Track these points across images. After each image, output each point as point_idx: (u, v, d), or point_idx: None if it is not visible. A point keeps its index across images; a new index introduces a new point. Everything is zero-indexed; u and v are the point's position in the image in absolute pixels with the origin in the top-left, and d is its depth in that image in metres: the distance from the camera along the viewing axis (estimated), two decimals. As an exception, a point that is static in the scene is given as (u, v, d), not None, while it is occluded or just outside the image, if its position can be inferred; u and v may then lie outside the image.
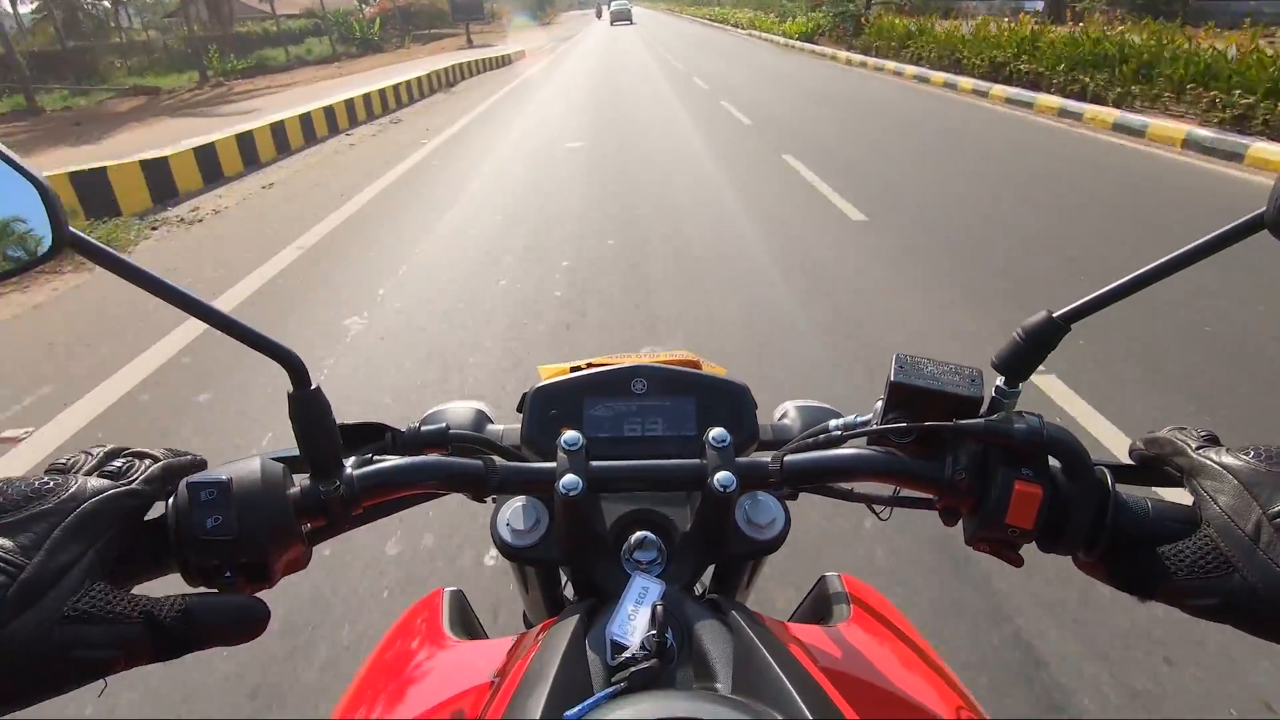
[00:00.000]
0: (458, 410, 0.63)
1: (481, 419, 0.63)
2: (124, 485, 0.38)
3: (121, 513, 0.37)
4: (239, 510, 0.40)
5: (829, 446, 0.49)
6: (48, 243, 0.38)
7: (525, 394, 0.55)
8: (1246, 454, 0.39)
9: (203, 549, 0.39)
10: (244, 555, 0.40)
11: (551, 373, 0.60)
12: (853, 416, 0.54)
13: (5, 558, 0.32)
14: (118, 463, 0.39)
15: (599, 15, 59.42)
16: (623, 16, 48.29)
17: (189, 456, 0.43)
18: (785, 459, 0.47)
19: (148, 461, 0.40)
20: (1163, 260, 0.40)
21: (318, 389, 0.43)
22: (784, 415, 0.64)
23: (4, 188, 0.36)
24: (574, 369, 0.62)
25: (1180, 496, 0.42)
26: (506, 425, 0.61)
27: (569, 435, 0.47)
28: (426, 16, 37.50)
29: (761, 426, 0.57)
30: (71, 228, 0.37)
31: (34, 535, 0.33)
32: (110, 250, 0.37)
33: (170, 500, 0.41)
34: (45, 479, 0.36)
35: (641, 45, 25.35)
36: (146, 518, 0.40)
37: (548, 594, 0.61)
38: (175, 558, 0.40)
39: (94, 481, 0.37)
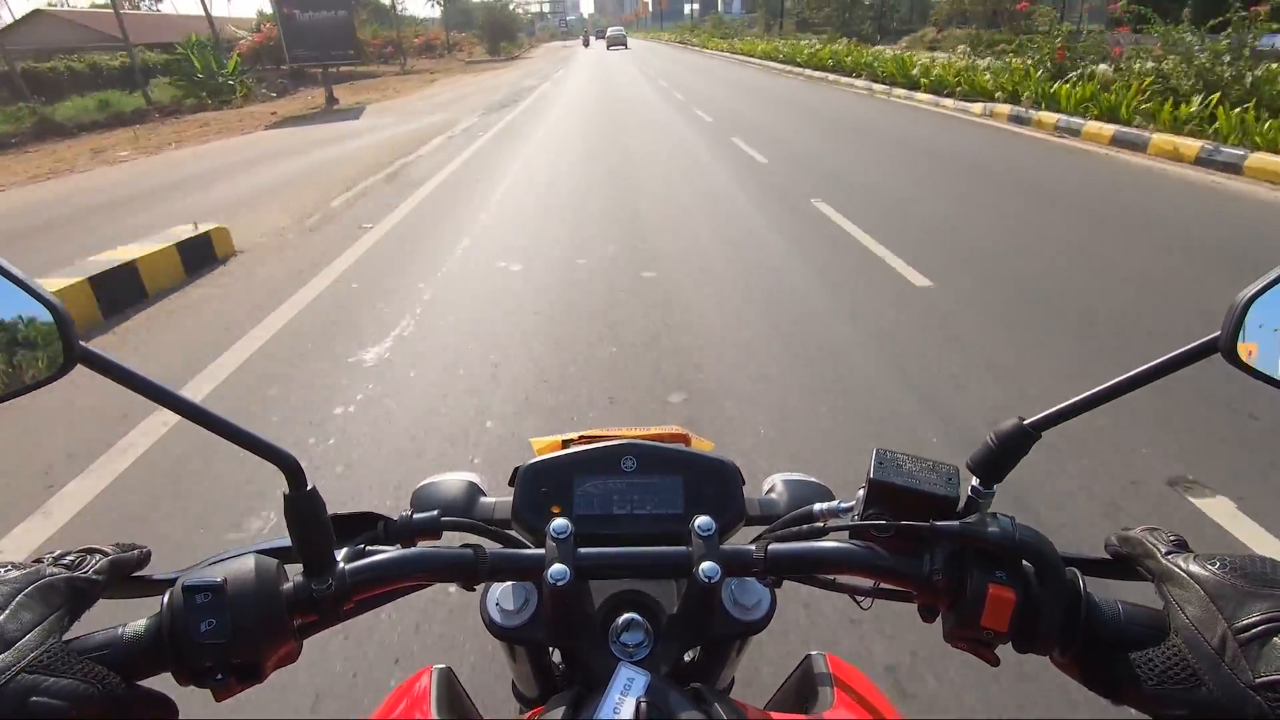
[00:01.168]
0: (449, 486, 0.64)
1: (473, 493, 0.63)
2: (78, 574, 0.41)
3: (75, 593, 0.40)
4: (233, 612, 0.41)
5: (812, 536, 0.50)
6: (59, 360, 0.39)
7: (517, 469, 0.56)
8: (1212, 564, 0.40)
9: (196, 653, 0.40)
10: (236, 656, 0.41)
11: (544, 446, 0.61)
12: (836, 502, 0.55)
13: None
14: (70, 557, 0.42)
15: (585, 44, 59.43)
16: (618, 42, 50.40)
17: (135, 551, 0.45)
18: (769, 549, 0.48)
19: (97, 556, 0.43)
20: (1123, 378, 0.43)
21: (313, 490, 0.45)
22: (771, 489, 0.65)
23: (16, 308, 0.38)
24: (566, 443, 0.63)
25: (1150, 590, 0.43)
26: (498, 498, 0.62)
27: (558, 524, 0.48)
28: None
29: (748, 501, 0.58)
30: (83, 343, 0.39)
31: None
32: (120, 364, 0.39)
33: (165, 601, 0.42)
34: (6, 564, 0.40)
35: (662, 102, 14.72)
36: (140, 625, 0.42)
37: (537, 666, 0.61)
38: (169, 659, 0.41)
39: (51, 568, 0.41)
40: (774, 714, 0.49)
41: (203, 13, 21.95)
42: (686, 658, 0.57)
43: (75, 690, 0.36)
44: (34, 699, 0.35)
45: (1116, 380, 0.43)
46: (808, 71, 19.89)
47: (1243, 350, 0.40)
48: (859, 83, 15.93)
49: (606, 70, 26.87)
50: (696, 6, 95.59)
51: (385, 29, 38.53)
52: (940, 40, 21.25)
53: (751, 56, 28.12)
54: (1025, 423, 0.45)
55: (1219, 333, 0.39)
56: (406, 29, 44.90)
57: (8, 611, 0.36)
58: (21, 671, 0.35)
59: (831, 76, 17.92)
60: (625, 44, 51.48)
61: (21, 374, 0.40)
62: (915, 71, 13.71)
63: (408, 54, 35.69)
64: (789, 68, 22.02)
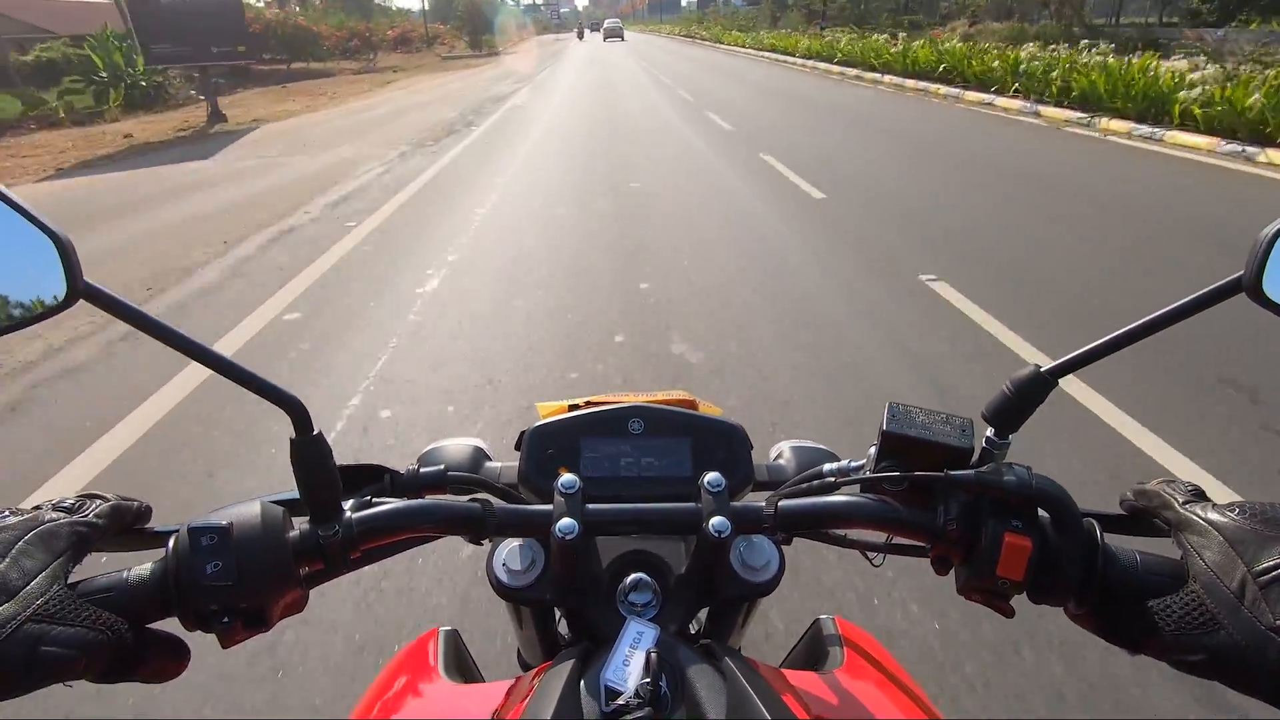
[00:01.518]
0: (455, 449, 0.63)
1: (479, 457, 0.63)
2: (79, 517, 0.40)
3: (76, 537, 0.39)
4: (239, 556, 0.40)
5: (823, 492, 0.50)
6: (63, 293, 0.38)
7: (523, 432, 0.56)
8: (1232, 511, 0.40)
9: (201, 594, 0.40)
10: (242, 600, 0.40)
11: (550, 411, 0.60)
12: (846, 461, 0.55)
13: None
14: (69, 502, 0.41)
15: (580, 36, 61.21)
16: (614, 34, 53.77)
17: (136, 503, 0.44)
18: (779, 504, 0.48)
19: (98, 501, 0.42)
20: (1145, 320, 0.42)
21: (319, 435, 0.44)
22: (779, 456, 0.65)
23: (19, 239, 0.37)
24: (572, 407, 0.63)
25: (1167, 547, 0.42)
26: (504, 463, 0.62)
27: (566, 479, 0.48)
28: (293, 43, 24.55)
29: (757, 467, 0.58)
30: (86, 279, 0.38)
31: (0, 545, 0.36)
32: (125, 301, 0.38)
33: (170, 544, 0.41)
34: (4, 510, 0.39)
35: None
36: (145, 569, 0.41)
37: (542, 631, 0.61)
38: (174, 602, 0.40)
39: (51, 512, 0.40)
40: (786, 670, 0.48)
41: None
42: (694, 622, 0.56)
43: (84, 638, 0.36)
44: (43, 648, 0.34)
45: (1136, 324, 0.42)
46: (887, 78, 14.51)
47: (1268, 286, 0.39)
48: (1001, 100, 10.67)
49: (604, 71, 20.93)
50: None
51: (355, 19, 36.37)
52: (975, 34, 17.52)
53: (790, 55, 22.71)
54: (1042, 370, 0.45)
55: (1242, 271, 0.39)
56: (381, 20, 42.27)
57: (8, 559, 0.35)
58: (28, 620, 0.34)
59: (932, 86, 12.75)
60: (622, 36, 54.37)
61: (23, 306, 0.39)
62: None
63: (379, 48, 32.05)
64: (841, 69, 16.89)
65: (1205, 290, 0.40)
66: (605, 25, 55.70)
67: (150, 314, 0.39)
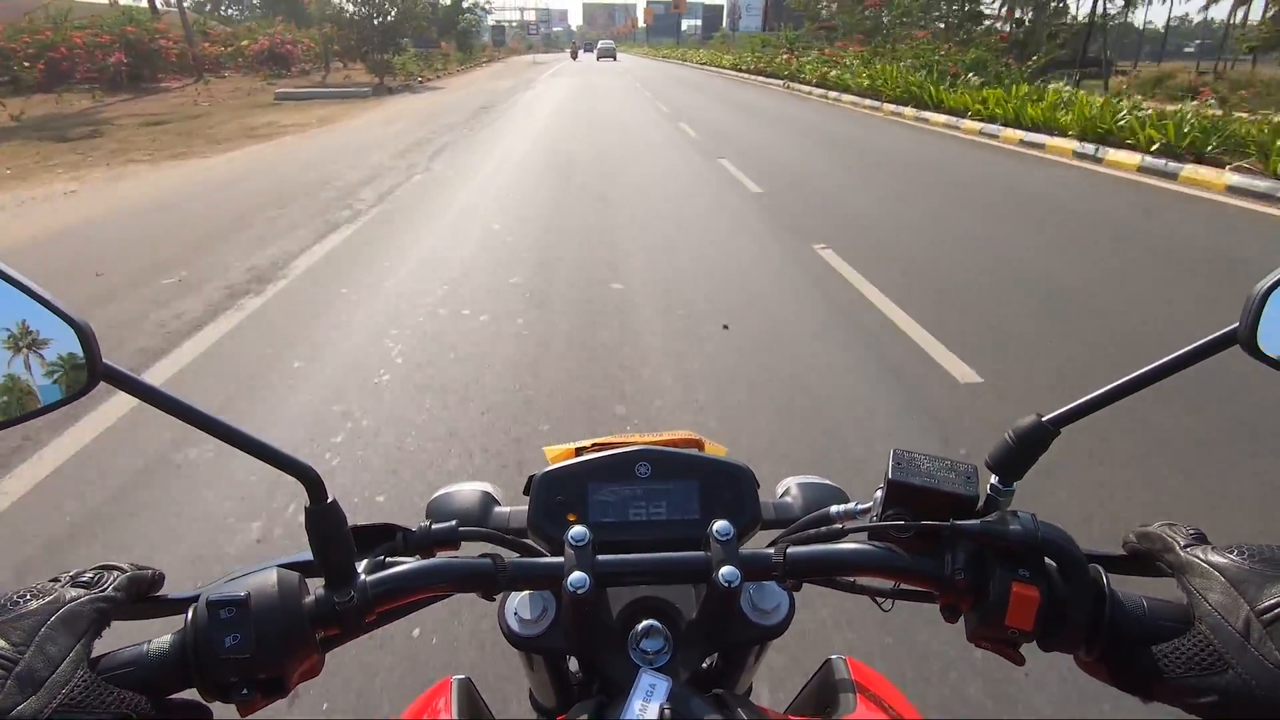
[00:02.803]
0: (465, 495, 0.64)
1: (488, 503, 0.63)
2: (98, 592, 0.41)
3: (98, 614, 0.40)
4: (257, 627, 0.41)
5: (830, 538, 0.50)
6: (84, 378, 0.39)
7: (532, 478, 0.56)
8: (1232, 552, 0.40)
9: (221, 667, 0.40)
10: (261, 671, 0.41)
11: (557, 455, 0.61)
12: (853, 504, 0.55)
13: (1, 653, 0.35)
14: (88, 575, 0.42)
15: (574, 57, 64.06)
16: (607, 54, 59.14)
17: (150, 571, 0.45)
18: (788, 552, 0.48)
19: (115, 573, 0.43)
20: (1141, 372, 0.43)
21: (334, 502, 0.45)
22: (786, 493, 0.65)
23: (42, 327, 0.38)
24: (579, 450, 0.63)
25: (1169, 587, 0.43)
26: (513, 508, 0.62)
27: (576, 531, 0.48)
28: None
29: (764, 504, 0.58)
30: (106, 361, 0.39)
31: (24, 632, 0.36)
32: (142, 381, 0.39)
33: (189, 616, 0.42)
34: (23, 590, 0.39)
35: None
36: (165, 642, 0.42)
37: (554, 674, 0.61)
38: (194, 675, 0.41)
39: (71, 590, 0.40)
40: (795, 718, 0.49)
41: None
42: (705, 664, 0.57)
43: None
44: None
45: (1134, 375, 0.43)
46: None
47: (1263, 341, 0.40)
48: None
49: (600, 154, 9.76)
50: (698, 22, 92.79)
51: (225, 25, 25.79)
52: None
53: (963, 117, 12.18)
54: (1044, 419, 0.46)
55: (1237, 324, 0.40)
56: (239, 27, 28.88)
57: (33, 648, 0.36)
58: (55, 714, 0.35)
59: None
60: (614, 56, 60.77)
61: (44, 393, 0.40)
62: None
63: (222, 69, 21.95)
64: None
65: (1200, 343, 0.41)
66: (599, 46, 62.85)
67: (165, 391, 0.40)
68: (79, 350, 0.38)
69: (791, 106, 16.72)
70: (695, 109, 16.07)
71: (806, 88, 20.27)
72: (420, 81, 24.92)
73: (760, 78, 26.12)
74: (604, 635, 0.50)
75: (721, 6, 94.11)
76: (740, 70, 30.40)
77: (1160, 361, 0.42)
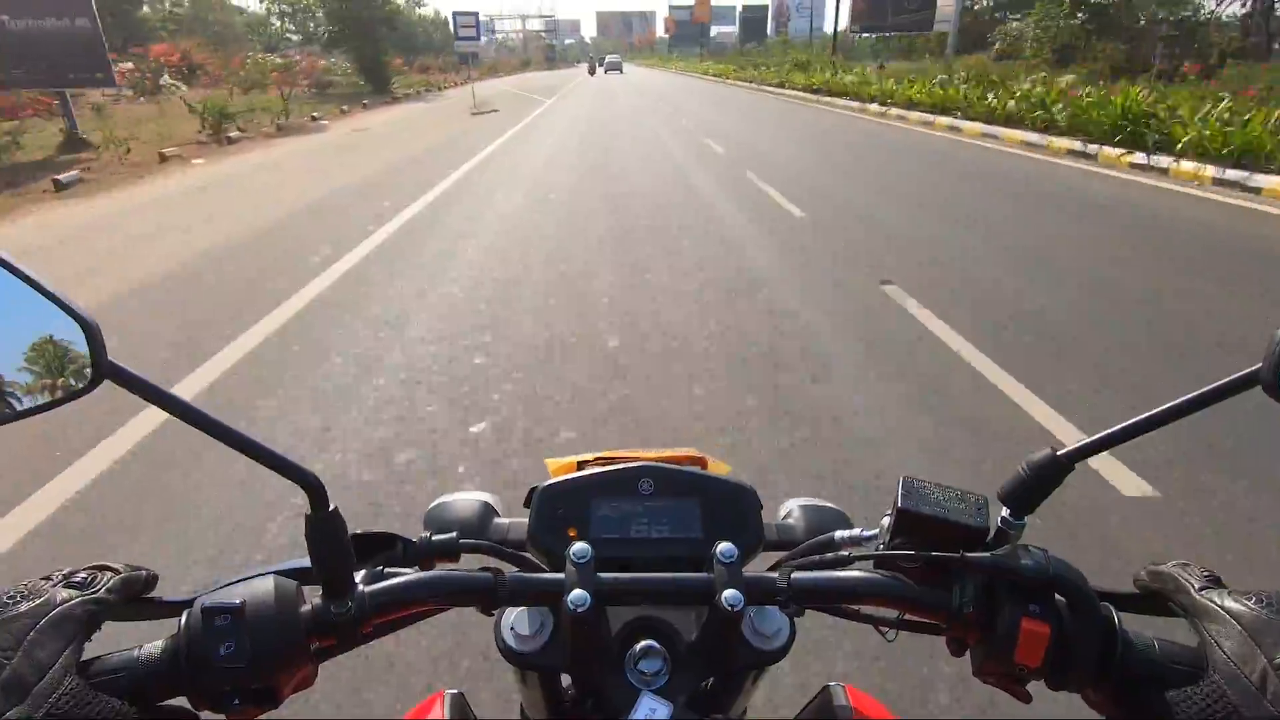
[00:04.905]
0: (465, 505, 0.63)
1: (488, 514, 0.63)
2: (90, 594, 0.40)
3: (88, 616, 0.39)
4: (252, 636, 0.40)
5: (837, 565, 0.50)
6: (88, 375, 0.39)
7: (533, 490, 0.55)
8: (1249, 599, 0.40)
9: (213, 676, 0.40)
10: (254, 681, 0.40)
11: (559, 467, 0.60)
12: (858, 530, 0.54)
13: None
14: (81, 575, 0.41)
15: (591, 72, 63.63)
16: (615, 67, 63.07)
17: (143, 572, 0.44)
18: (793, 577, 0.47)
19: (108, 574, 0.42)
20: (1159, 410, 0.42)
21: (335, 510, 0.44)
22: (788, 515, 0.64)
23: (47, 322, 0.38)
24: (581, 464, 0.63)
25: (1177, 626, 0.42)
26: (513, 519, 0.62)
27: (578, 548, 0.47)
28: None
29: (766, 526, 0.57)
30: (112, 360, 0.39)
31: (11, 636, 0.36)
32: (149, 381, 0.39)
33: (183, 623, 0.41)
34: (13, 591, 0.38)
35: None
36: (157, 648, 0.41)
37: (548, 692, 0.60)
38: (184, 683, 0.40)
39: (62, 591, 0.39)
40: None
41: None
42: (703, 686, 0.56)
43: None
44: None
45: (1152, 413, 0.42)
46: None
47: None
48: None
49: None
50: (733, 29, 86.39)
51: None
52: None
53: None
54: (1058, 454, 0.45)
55: (1260, 365, 0.39)
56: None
57: (20, 653, 0.35)
58: None
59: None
60: (621, 69, 65.46)
61: (50, 389, 0.39)
62: None
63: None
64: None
65: (1222, 382, 0.40)
66: (606, 60, 67.66)
67: (170, 392, 0.39)
68: (85, 348, 0.38)
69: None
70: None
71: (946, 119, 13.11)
72: (401, 96, 19.99)
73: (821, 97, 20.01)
74: (601, 654, 0.49)
75: (766, 7, 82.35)
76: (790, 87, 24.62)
77: (1178, 400, 0.42)
